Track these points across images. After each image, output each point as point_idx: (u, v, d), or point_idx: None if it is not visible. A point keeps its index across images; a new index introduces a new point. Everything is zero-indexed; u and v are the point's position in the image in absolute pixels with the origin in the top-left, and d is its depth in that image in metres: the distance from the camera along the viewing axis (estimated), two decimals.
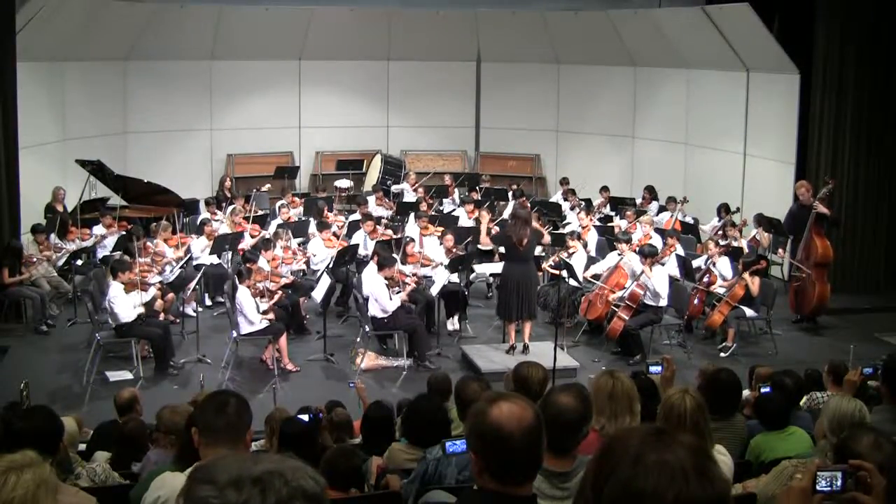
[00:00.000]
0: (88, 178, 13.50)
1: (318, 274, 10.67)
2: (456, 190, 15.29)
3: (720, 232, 12.19)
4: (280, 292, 10.11)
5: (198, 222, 12.84)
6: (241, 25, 15.50)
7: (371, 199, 14.27)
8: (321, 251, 11.58)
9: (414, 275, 10.54)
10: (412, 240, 11.37)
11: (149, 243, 11.30)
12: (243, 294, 9.37)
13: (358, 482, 4.64)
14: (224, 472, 1.45)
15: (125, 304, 9.25)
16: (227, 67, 16.30)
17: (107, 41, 14.58)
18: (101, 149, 14.08)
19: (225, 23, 15.41)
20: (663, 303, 9.98)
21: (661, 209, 14.17)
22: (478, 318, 11.22)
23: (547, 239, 11.05)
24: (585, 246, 11.74)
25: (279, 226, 12.16)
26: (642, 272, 9.89)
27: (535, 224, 10.38)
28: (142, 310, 9.41)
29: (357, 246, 11.60)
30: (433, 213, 13.36)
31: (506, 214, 13.72)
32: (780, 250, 11.39)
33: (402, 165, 17.05)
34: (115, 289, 9.24)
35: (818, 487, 2.18)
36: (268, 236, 11.85)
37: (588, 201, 14.35)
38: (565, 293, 10.54)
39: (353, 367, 9.66)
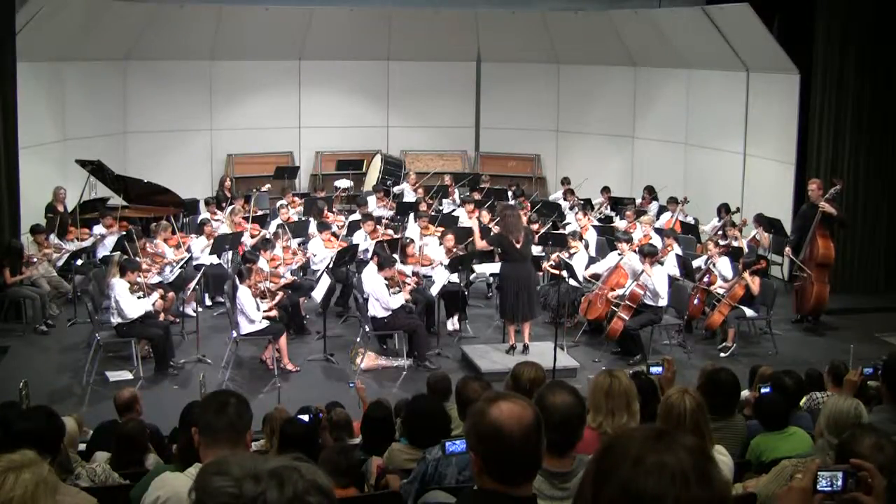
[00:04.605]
0: (88, 178, 13.50)
1: (318, 274, 10.67)
2: (456, 190, 15.29)
3: (720, 232, 12.19)
4: (281, 293, 10.12)
5: (198, 222, 12.84)
6: (241, 25, 15.50)
7: (371, 199, 14.27)
8: (321, 251, 11.58)
9: (414, 274, 10.54)
10: (412, 240, 11.37)
11: (148, 243, 11.30)
12: (243, 294, 9.37)
13: (356, 479, 4.64)
14: (238, 467, 1.49)
15: (131, 301, 9.26)
16: (227, 67, 16.31)
17: (107, 41, 14.58)
18: (101, 149, 14.07)
19: (225, 23, 15.41)
20: (663, 303, 9.97)
21: (662, 209, 14.17)
22: (478, 318, 11.22)
23: (539, 248, 10.94)
24: (587, 246, 11.74)
25: (279, 226, 12.16)
26: (642, 272, 9.89)
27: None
28: (150, 308, 9.45)
29: (357, 246, 11.60)
30: (433, 213, 13.37)
31: None
32: (788, 249, 11.33)
33: (402, 165, 17.05)
34: (121, 286, 9.24)
35: (819, 487, 2.19)
36: (268, 236, 11.86)
37: (588, 201, 14.35)
38: (565, 293, 10.54)
39: (353, 367, 9.66)
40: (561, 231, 12.58)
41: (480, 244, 10.53)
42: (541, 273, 11.29)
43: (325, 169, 17.02)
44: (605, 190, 15.02)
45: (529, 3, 16.07)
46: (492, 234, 10.30)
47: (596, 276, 10.58)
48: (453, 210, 14.26)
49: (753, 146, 14.09)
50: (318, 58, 16.78)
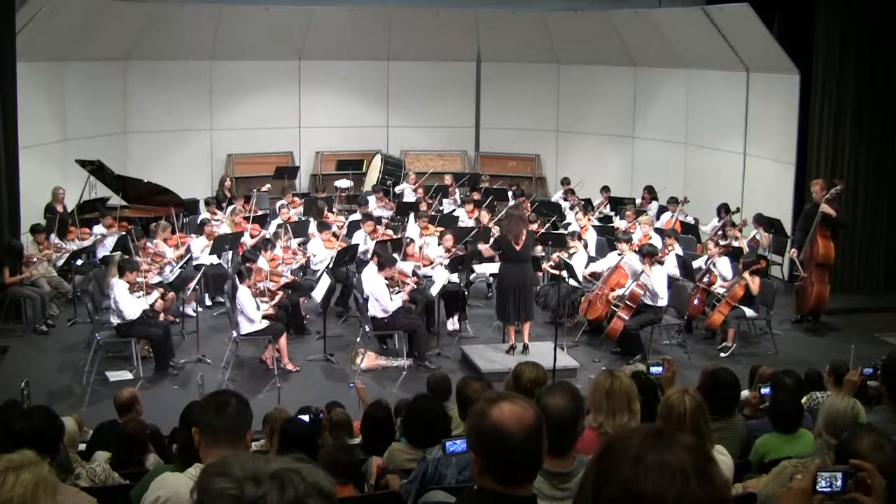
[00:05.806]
0: (88, 178, 13.51)
1: (318, 274, 10.67)
2: (456, 190, 15.29)
3: (720, 232, 12.19)
4: (280, 293, 10.12)
5: (198, 222, 12.85)
6: (241, 25, 15.50)
7: (371, 199, 14.27)
8: (321, 251, 11.58)
9: (414, 274, 10.54)
10: (412, 240, 11.37)
11: (148, 243, 11.31)
12: (243, 294, 9.37)
13: (355, 478, 4.64)
14: (240, 468, 1.49)
15: (130, 302, 9.26)
16: (227, 67, 16.30)
17: (107, 41, 14.58)
18: (101, 149, 14.08)
19: (225, 23, 15.41)
20: (662, 303, 9.97)
21: (662, 209, 14.17)
22: (478, 318, 11.21)
23: (539, 249, 11.02)
24: (586, 246, 11.74)
25: (279, 226, 12.16)
26: (642, 272, 9.89)
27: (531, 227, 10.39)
28: (147, 306, 9.45)
29: (357, 246, 11.60)
30: (433, 213, 13.37)
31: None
32: (794, 251, 11.29)
33: (402, 165, 17.05)
34: (120, 287, 9.23)
35: (818, 488, 2.19)
36: (268, 236, 11.85)
37: (588, 201, 14.35)
38: (565, 293, 10.54)
39: (353, 367, 9.66)
40: (561, 231, 12.58)
41: (486, 250, 10.52)
42: (541, 273, 11.30)
43: (325, 169, 17.02)
44: (605, 190, 15.02)
45: (529, 3, 16.07)
46: (494, 237, 10.32)
47: (595, 276, 10.58)
48: (453, 210, 14.26)
49: (753, 146, 14.09)
50: (318, 58, 16.78)
